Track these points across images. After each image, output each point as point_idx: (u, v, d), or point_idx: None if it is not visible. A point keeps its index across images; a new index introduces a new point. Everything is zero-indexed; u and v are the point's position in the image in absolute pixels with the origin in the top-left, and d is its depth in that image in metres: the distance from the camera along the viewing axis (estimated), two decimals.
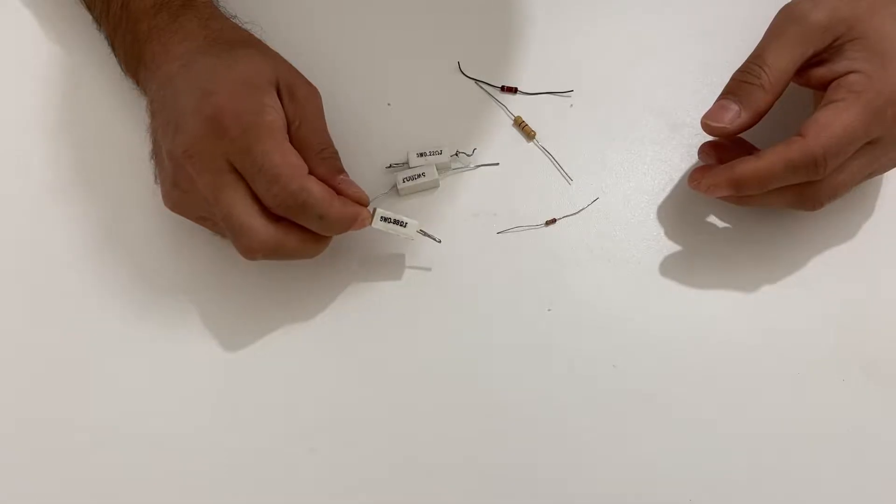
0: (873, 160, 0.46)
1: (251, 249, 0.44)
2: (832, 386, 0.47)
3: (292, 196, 0.43)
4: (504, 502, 0.45)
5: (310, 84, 0.48)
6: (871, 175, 0.48)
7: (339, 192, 0.46)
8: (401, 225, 0.47)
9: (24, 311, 0.49)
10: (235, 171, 0.44)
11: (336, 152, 0.47)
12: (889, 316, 0.49)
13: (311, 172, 0.45)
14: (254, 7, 0.50)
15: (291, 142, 0.45)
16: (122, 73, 0.51)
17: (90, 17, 0.53)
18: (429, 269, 0.50)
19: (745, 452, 0.46)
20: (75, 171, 0.52)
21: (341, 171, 0.47)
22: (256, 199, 0.44)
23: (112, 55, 0.52)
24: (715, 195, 0.46)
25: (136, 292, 0.49)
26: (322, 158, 0.46)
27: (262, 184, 0.43)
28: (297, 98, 0.46)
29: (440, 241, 0.49)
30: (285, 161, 0.43)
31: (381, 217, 0.47)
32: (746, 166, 0.45)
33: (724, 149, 0.48)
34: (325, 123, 0.48)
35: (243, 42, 0.48)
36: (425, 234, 0.49)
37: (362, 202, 0.46)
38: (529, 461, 0.46)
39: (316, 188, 0.44)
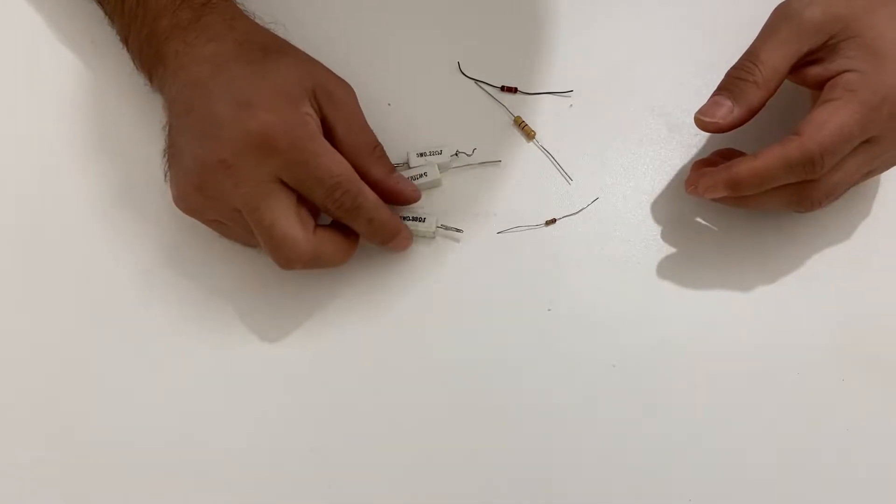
0: (870, 159, 0.46)
1: (291, 260, 0.45)
2: (832, 386, 0.47)
3: (353, 199, 0.45)
4: (504, 502, 0.45)
5: (344, 83, 0.48)
6: (868, 175, 0.48)
7: (395, 190, 0.47)
8: (420, 220, 0.49)
9: (32, 310, 0.49)
10: (279, 182, 0.44)
11: (383, 148, 0.48)
12: (889, 316, 0.49)
13: (368, 172, 0.46)
14: (253, 7, 0.50)
15: (341, 144, 0.46)
16: (134, 69, 0.51)
17: (101, 14, 0.53)
18: (429, 269, 0.50)
19: (745, 452, 0.46)
20: (80, 170, 0.52)
21: (393, 168, 0.48)
22: (296, 209, 0.45)
23: (123, 50, 0.51)
24: (712, 196, 0.47)
25: (141, 291, 0.49)
26: (377, 157, 0.47)
27: (321, 192, 0.44)
28: (336, 100, 0.46)
29: (462, 231, 0.50)
30: (342, 167, 0.44)
31: (401, 216, 0.48)
32: (743, 166, 0.45)
33: (717, 165, 0.48)
34: (365, 119, 0.48)
35: (276, 48, 0.47)
36: (445, 227, 0.50)
37: (416, 198, 0.49)
38: (529, 461, 0.46)
39: (370, 192, 0.45)
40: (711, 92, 0.47)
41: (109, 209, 0.51)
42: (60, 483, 0.46)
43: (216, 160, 0.43)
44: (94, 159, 0.52)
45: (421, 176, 0.51)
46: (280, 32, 0.49)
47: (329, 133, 0.46)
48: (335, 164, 0.44)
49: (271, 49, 0.47)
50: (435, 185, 0.51)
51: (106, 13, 0.52)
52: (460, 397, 0.47)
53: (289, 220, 0.44)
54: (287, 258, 0.45)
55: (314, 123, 0.45)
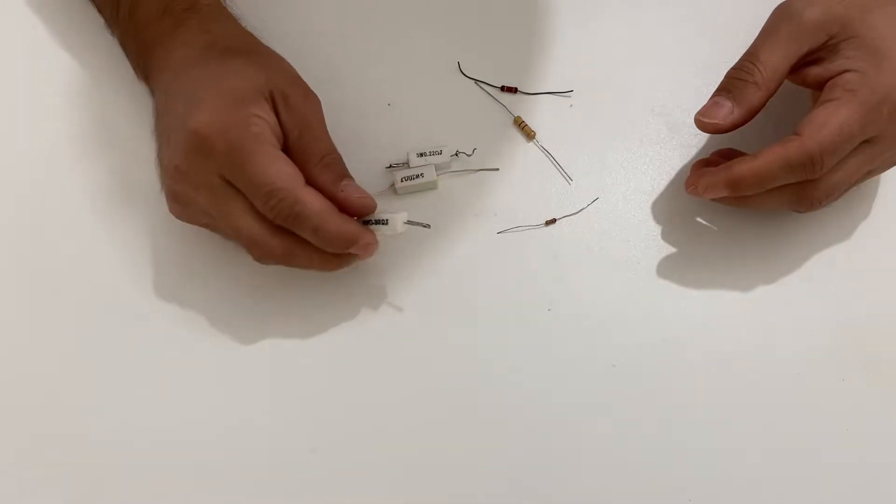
0: (870, 159, 0.46)
1: (262, 256, 0.45)
2: (832, 386, 0.47)
3: (288, 208, 0.43)
4: (503, 502, 0.45)
5: (308, 91, 0.47)
6: (869, 175, 0.48)
7: (339, 199, 0.45)
8: (383, 223, 0.46)
9: (30, 309, 0.49)
10: (229, 182, 0.43)
11: (339, 157, 0.47)
12: (889, 316, 0.49)
13: (312, 180, 0.45)
14: (253, 7, 0.50)
15: (292, 151, 0.45)
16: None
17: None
18: (429, 270, 0.50)
19: (745, 452, 0.46)
20: (81, 171, 0.52)
21: (344, 175, 0.46)
22: (253, 208, 0.44)
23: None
24: (713, 196, 0.47)
25: (142, 292, 0.49)
26: (324, 165, 0.46)
27: (258, 198, 0.43)
28: (293, 106, 0.45)
29: (429, 227, 0.48)
30: (279, 173, 0.43)
31: (363, 221, 0.46)
32: (743, 166, 0.45)
33: (717, 165, 0.48)
34: (326, 130, 0.47)
35: (238, 50, 0.47)
36: (413, 223, 0.47)
37: (367, 207, 0.46)
38: (529, 461, 0.46)
39: (311, 201, 0.43)
40: (711, 92, 0.47)
41: (110, 210, 0.51)
42: (60, 484, 0.46)
43: (172, 167, 0.44)
44: (94, 160, 0.52)
45: (417, 177, 0.51)
46: (279, 33, 0.49)
47: (284, 138, 0.45)
48: (272, 169, 0.42)
49: (234, 51, 0.46)
50: (431, 186, 0.51)
51: (105, 21, 0.52)
52: (460, 397, 0.47)
53: (249, 220, 0.44)
54: (258, 255, 0.45)
55: (262, 126, 0.43)
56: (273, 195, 0.42)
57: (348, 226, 0.44)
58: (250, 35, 0.49)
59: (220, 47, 0.46)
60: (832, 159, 0.44)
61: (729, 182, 0.45)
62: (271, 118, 0.44)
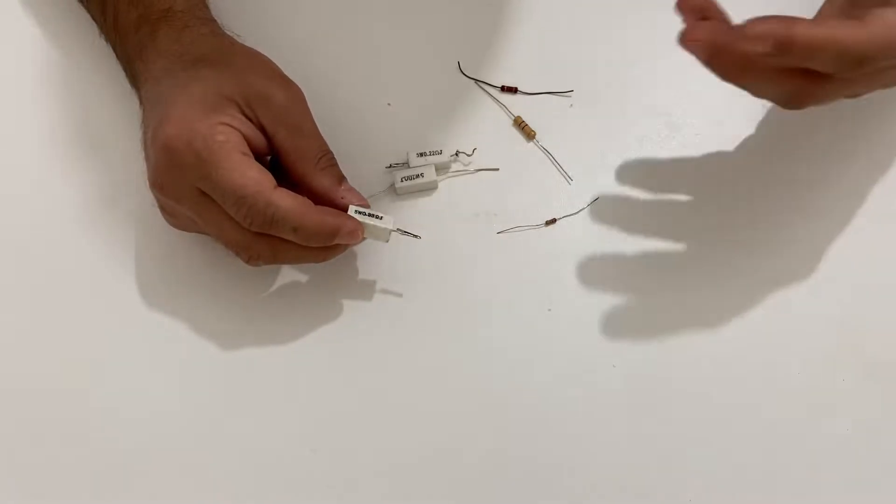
0: (877, 83, 0.42)
1: (251, 259, 0.45)
2: (832, 386, 0.47)
3: (261, 214, 0.42)
4: (503, 502, 0.45)
5: (288, 87, 0.46)
6: (855, 95, 0.43)
7: (341, 206, 0.45)
8: (377, 217, 0.46)
9: (29, 313, 0.49)
10: (204, 193, 0.43)
11: (333, 157, 0.46)
12: (889, 316, 0.49)
13: (310, 184, 0.45)
14: (254, 6, 0.50)
15: (281, 151, 0.45)
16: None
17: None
18: (429, 270, 0.50)
19: (745, 452, 0.46)
20: (80, 171, 0.52)
21: (342, 178, 0.46)
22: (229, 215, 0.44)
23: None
24: (749, 49, 0.39)
25: (138, 295, 0.49)
26: (321, 168, 0.45)
27: (229, 207, 0.42)
28: (273, 106, 0.44)
29: (419, 237, 0.48)
30: (246, 179, 0.42)
31: (356, 211, 0.45)
32: (803, 28, 0.38)
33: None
34: (315, 124, 0.46)
35: (208, 57, 0.46)
36: (403, 231, 0.47)
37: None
38: (529, 461, 0.46)
39: (285, 201, 0.42)
40: (711, 92, 0.47)
41: (106, 212, 0.51)
42: (57, 486, 0.46)
43: (152, 184, 0.44)
44: (90, 162, 0.52)
45: (417, 177, 0.51)
46: (278, 33, 0.49)
47: (270, 141, 0.45)
48: (238, 176, 0.42)
49: (203, 59, 0.46)
50: (431, 187, 0.51)
51: (98, 28, 0.52)
52: (460, 397, 0.47)
53: (228, 227, 0.43)
54: (246, 259, 0.45)
55: (228, 133, 0.43)
56: (243, 202, 0.42)
57: (328, 218, 0.44)
58: (224, 38, 0.48)
59: (191, 57, 0.46)
60: (877, 64, 0.38)
61: (781, 39, 0.38)
62: (243, 124, 0.44)
